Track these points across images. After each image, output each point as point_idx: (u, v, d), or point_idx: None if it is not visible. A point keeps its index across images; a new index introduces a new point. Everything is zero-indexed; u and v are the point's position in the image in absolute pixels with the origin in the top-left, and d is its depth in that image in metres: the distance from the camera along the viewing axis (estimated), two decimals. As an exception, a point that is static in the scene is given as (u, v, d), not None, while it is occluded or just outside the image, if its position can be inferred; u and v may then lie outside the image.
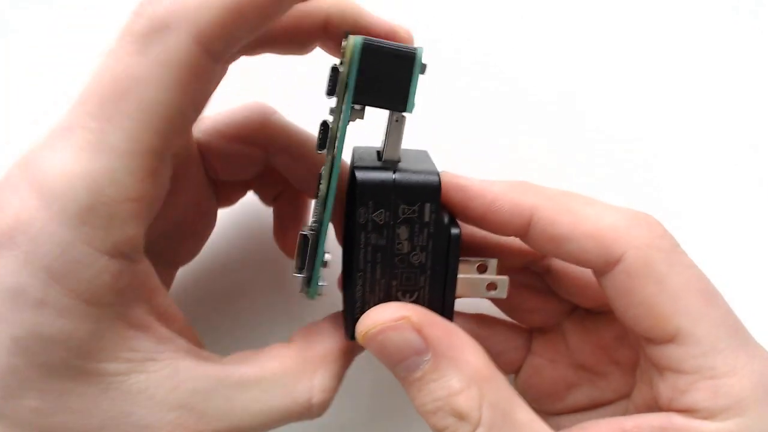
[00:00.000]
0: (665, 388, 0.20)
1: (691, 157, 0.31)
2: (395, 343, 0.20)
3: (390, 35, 0.21)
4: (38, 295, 0.17)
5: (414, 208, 0.20)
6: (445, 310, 0.22)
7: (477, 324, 0.25)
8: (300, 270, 0.21)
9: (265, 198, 0.28)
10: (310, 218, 0.21)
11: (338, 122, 0.20)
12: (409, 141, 0.21)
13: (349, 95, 0.19)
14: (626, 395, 0.24)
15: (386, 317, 0.20)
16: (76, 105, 0.17)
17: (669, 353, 0.20)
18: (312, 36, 0.22)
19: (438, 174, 0.21)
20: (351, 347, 0.22)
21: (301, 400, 0.20)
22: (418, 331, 0.20)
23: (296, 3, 0.18)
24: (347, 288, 0.22)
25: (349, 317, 0.22)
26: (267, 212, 0.29)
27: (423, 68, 0.20)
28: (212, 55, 0.17)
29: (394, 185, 0.20)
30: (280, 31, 0.22)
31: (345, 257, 0.22)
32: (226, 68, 0.19)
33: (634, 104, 0.31)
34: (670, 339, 0.20)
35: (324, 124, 0.20)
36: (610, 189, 0.31)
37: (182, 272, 0.27)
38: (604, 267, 0.20)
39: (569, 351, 0.25)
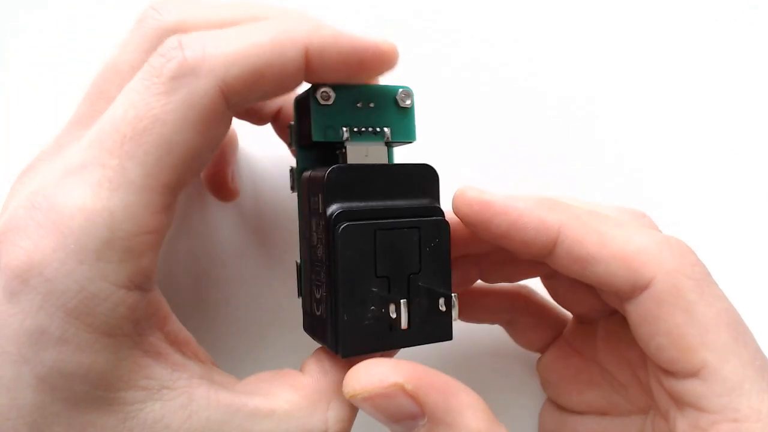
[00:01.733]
0: (683, 424, 0.20)
1: (690, 159, 0.31)
2: (387, 409, 0.19)
3: (376, 54, 0.20)
4: (58, 333, 0.17)
5: (316, 198, 0.21)
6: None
7: (514, 296, 0.26)
8: (300, 293, 0.23)
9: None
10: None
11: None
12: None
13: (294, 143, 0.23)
14: (644, 411, 0.23)
15: (375, 382, 0.19)
16: (93, 142, 0.18)
17: (692, 388, 0.19)
18: (267, 118, 0.26)
19: (331, 168, 0.20)
20: None
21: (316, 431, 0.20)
22: (413, 398, 0.19)
23: (296, 85, 0.20)
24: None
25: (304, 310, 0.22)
26: (280, 222, 0.29)
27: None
28: (230, 105, 0.18)
29: (308, 177, 0.22)
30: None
31: None
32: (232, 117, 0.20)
33: (634, 107, 0.32)
34: (694, 373, 0.19)
35: (291, 169, 0.23)
36: (613, 192, 0.31)
37: (192, 281, 0.27)
38: (630, 292, 0.20)
39: (597, 350, 0.25)
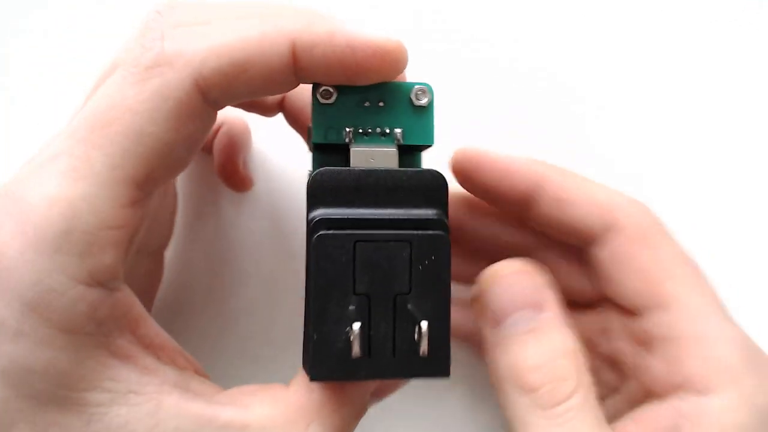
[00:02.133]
0: (659, 364, 0.21)
1: (694, 159, 0.31)
2: (519, 289, 0.20)
3: (377, 54, 0.19)
4: (15, 326, 0.16)
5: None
6: None
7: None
8: None
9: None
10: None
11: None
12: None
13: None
14: (615, 390, 0.24)
15: (522, 262, 0.20)
16: (68, 133, 0.17)
17: (661, 320, 0.21)
18: (272, 108, 0.25)
19: (317, 170, 0.19)
20: (362, 392, 0.20)
21: None
22: (541, 288, 0.20)
23: (288, 85, 0.19)
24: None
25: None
26: (286, 234, 0.28)
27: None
28: (209, 99, 0.18)
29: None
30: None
31: None
32: (216, 114, 0.19)
33: (641, 107, 0.31)
34: (662, 305, 0.21)
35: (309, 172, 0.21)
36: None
37: (207, 281, 0.26)
38: (603, 233, 0.22)
39: None
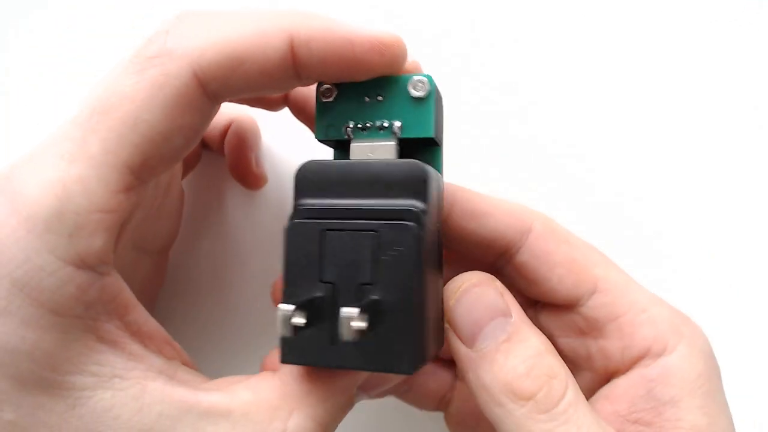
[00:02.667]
0: (612, 344, 0.22)
1: (691, 163, 0.30)
2: (485, 301, 0.20)
3: (375, 48, 0.19)
4: (3, 304, 0.16)
5: None
6: None
7: None
8: None
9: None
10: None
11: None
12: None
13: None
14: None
15: (481, 276, 0.20)
16: (68, 118, 0.18)
17: (599, 303, 0.22)
18: (277, 103, 0.25)
19: (302, 163, 0.19)
20: (347, 388, 0.20)
21: None
22: (501, 294, 0.20)
23: (287, 80, 0.19)
24: None
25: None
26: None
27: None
28: (209, 92, 0.18)
29: None
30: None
31: None
32: (217, 107, 0.19)
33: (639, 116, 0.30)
34: (594, 290, 0.22)
35: None
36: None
37: (194, 285, 0.27)
38: (520, 237, 0.22)
39: None
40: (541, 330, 0.22)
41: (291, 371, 0.20)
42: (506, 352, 0.19)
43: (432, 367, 0.26)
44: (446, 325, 0.20)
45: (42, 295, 0.16)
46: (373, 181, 0.19)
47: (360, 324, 0.16)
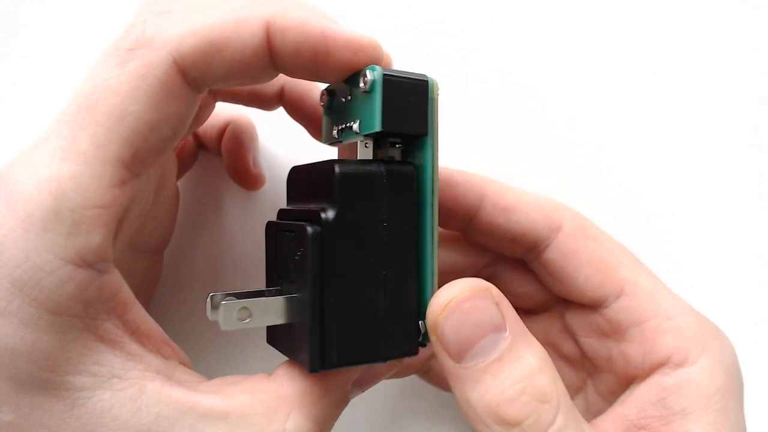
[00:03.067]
0: (634, 349, 0.22)
1: (690, 163, 0.30)
2: (477, 317, 0.18)
3: (349, 46, 0.19)
4: (2, 305, 0.16)
5: None
6: None
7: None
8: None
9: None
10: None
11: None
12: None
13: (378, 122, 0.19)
14: (580, 389, 0.24)
15: (473, 284, 0.19)
16: (57, 116, 0.18)
17: (624, 306, 0.22)
18: (272, 101, 0.25)
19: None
20: (341, 385, 0.20)
21: None
22: (497, 304, 0.19)
23: (265, 70, 0.19)
24: None
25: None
26: None
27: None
28: (189, 80, 0.18)
29: None
30: (245, 93, 0.25)
31: None
32: (213, 106, 0.20)
33: (638, 113, 0.30)
34: (620, 292, 0.22)
35: None
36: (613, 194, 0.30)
37: (190, 286, 0.26)
38: (548, 234, 0.22)
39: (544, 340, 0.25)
40: (565, 328, 0.23)
41: (286, 373, 0.20)
42: (495, 372, 0.18)
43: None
44: (433, 338, 0.19)
45: (41, 294, 0.16)
46: (312, 184, 0.19)
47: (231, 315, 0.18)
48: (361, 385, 0.21)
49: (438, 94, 0.20)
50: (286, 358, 0.21)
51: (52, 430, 0.17)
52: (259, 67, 0.19)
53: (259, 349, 0.28)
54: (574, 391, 0.24)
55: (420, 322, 0.20)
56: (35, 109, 0.29)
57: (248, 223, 0.29)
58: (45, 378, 0.17)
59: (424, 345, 0.20)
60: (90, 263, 0.17)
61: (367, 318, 0.19)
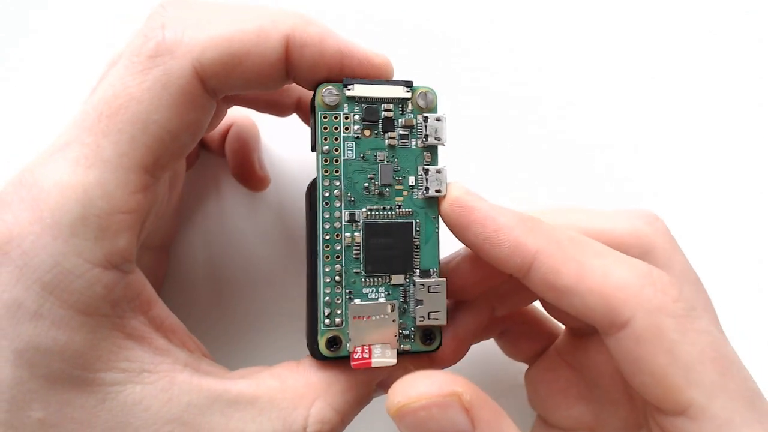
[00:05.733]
0: None
1: (690, 163, 0.31)
2: (438, 423, 0.17)
3: (363, 64, 0.20)
4: (34, 308, 0.17)
5: None
6: None
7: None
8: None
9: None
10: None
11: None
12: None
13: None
14: (634, 429, 0.22)
15: (433, 390, 0.17)
16: (77, 121, 0.18)
17: (681, 426, 0.18)
18: (288, 108, 0.26)
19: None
20: (368, 383, 0.21)
21: (295, 427, 0.19)
22: (467, 410, 0.17)
23: (280, 79, 0.19)
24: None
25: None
26: (289, 232, 0.29)
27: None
28: (208, 88, 0.18)
29: None
30: (262, 101, 0.25)
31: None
32: (225, 110, 0.20)
33: (635, 113, 0.31)
34: (681, 412, 0.18)
35: None
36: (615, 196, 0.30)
37: (194, 285, 0.27)
38: (609, 328, 0.18)
39: (588, 364, 0.23)
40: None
41: (313, 362, 0.21)
42: None
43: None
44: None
45: (71, 296, 0.17)
46: None
47: None
48: (386, 387, 0.20)
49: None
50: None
51: (83, 425, 0.18)
52: (274, 78, 0.19)
53: (260, 347, 0.29)
54: (627, 429, 0.22)
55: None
56: (39, 110, 0.29)
57: (252, 221, 0.29)
58: (77, 375, 0.17)
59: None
60: (116, 265, 0.18)
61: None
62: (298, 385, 0.20)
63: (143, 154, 0.18)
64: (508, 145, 0.31)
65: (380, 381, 0.21)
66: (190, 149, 0.20)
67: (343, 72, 0.20)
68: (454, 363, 0.22)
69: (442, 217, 0.20)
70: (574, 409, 0.23)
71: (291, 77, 0.20)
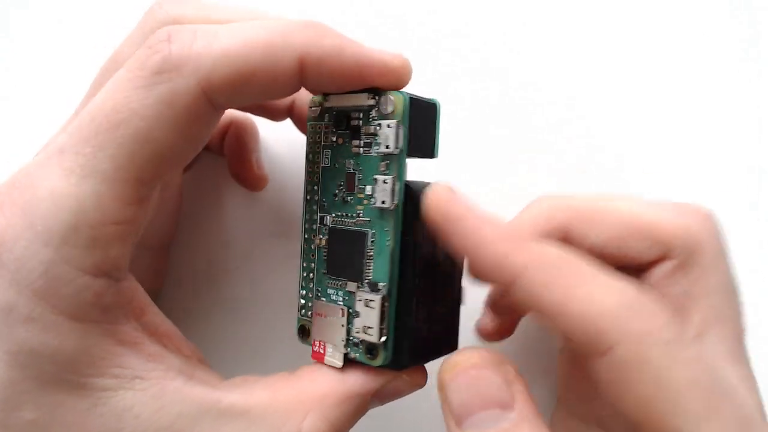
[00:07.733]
0: None
1: (690, 161, 0.30)
2: (482, 387, 0.18)
3: (382, 71, 0.19)
4: (25, 312, 0.17)
5: None
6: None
7: None
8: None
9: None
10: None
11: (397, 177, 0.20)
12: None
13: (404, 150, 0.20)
14: None
15: (483, 354, 0.18)
16: (73, 129, 0.18)
17: None
18: (281, 113, 0.25)
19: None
20: (362, 394, 0.20)
21: None
22: (508, 383, 0.18)
23: (291, 92, 0.19)
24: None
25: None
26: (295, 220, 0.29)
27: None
28: (213, 104, 0.18)
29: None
30: (256, 105, 0.25)
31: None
32: (222, 113, 0.20)
33: (636, 109, 0.30)
34: None
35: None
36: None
37: (193, 286, 0.26)
38: (592, 354, 0.18)
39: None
40: None
41: (308, 375, 0.20)
42: None
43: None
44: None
45: (61, 302, 0.17)
46: None
47: None
48: (382, 398, 0.21)
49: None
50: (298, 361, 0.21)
51: (73, 428, 0.18)
52: (285, 92, 0.19)
53: (259, 349, 0.29)
54: None
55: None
56: (35, 110, 0.29)
57: (251, 221, 0.30)
58: (69, 379, 0.18)
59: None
60: (106, 273, 0.18)
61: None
62: (290, 397, 0.19)
63: (141, 168, 0.18)
64: (511, 140, 0.30)
65: (377, 392, 0.21)
66: (190, 160, 0.19)
67: (362, 80, 0.19)
68: (501, 339, 0.24)
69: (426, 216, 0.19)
70: (593, 403, 0.23)
71: (304, 87, 0.19)
